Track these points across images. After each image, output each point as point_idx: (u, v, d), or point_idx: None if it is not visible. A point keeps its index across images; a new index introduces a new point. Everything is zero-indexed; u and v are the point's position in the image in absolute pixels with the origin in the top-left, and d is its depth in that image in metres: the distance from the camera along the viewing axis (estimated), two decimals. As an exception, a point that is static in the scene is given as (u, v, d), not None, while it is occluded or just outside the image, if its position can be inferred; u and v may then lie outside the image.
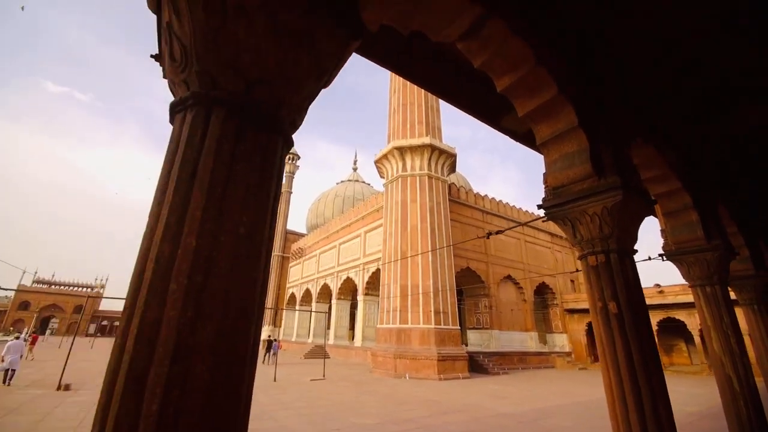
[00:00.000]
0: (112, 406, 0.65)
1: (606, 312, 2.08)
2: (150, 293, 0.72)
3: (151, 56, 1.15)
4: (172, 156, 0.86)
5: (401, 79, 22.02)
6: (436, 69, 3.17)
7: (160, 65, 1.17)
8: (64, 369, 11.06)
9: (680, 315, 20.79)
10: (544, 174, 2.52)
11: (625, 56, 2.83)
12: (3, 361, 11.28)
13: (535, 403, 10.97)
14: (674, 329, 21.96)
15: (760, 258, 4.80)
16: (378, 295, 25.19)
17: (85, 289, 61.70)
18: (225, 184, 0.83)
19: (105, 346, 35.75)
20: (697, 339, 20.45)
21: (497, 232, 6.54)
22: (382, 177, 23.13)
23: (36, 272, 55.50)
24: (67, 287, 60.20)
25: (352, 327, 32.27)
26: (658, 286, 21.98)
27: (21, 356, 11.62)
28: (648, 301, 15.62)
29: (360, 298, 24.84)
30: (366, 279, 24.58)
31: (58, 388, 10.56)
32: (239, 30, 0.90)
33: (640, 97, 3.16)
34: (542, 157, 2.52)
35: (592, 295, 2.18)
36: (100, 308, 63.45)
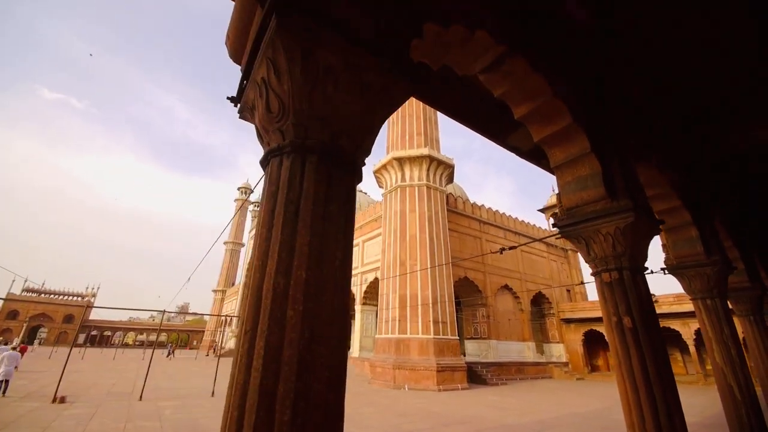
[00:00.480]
0: (246, 418, 0.76)
1: (621, 326, 2.22)
2: (271, 319, 0.84)
3: (228, 98, 1.28)
4: (273, 197, 0.99)
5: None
6: (447, 92, 3.35)
7: (234, 106, 1.31)
8: (59, 381, 10.87)
9: (675, 324, 21.04)
10: (557, 194, 2.69)
11: (632, 86, 3.03)
12: (-2, 372, 11.09)
13: (536, 414, 11.00)
14: (669, 339, 22.17)
15: (755, 271, 5.01)
16: (375, 305, 25.16)
17: (75, 298, 60.58)
18: (323, 221, 0.96)
19: (96, 356, 35.01)
20: (692, 348, 20.66)
21: (511, 248, 6.69)
22: (380, 187, 23.33)
23: (26, 280, 54.45)
24: (57, 296, 59.06)
25: (348, 337, 32.09)
26: (652, 295, 22.28)
27: (16, 367, 11.43)
28: (645, 312, 15.64)
29: (357, 308, 24.76)
30: (364, 289, 24.55)
31: (54, 401, 10.37)
32: (328, 88, 1.04)
33: (645, 121, 3.37)
34: (535, 168, 2.72)
35: (607, 309, 2.32)
36: (91, 317, 62.25)
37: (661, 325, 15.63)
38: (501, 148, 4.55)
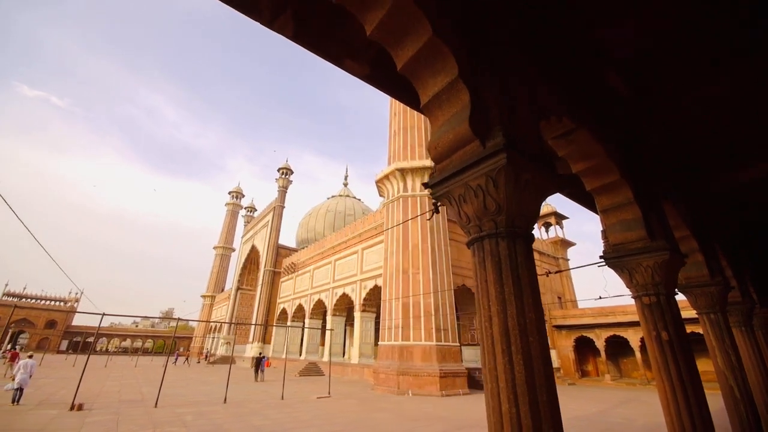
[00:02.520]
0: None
1: (659, 339, 2.85)
2: (521, 341, 1.38)
3: (423, 184, 1.83)
4: (497, 265, 1.53)
5: (401, 104, 23.11)
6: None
7: (427, 188, 1.86)
8: (77, 389, 10.98)
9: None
10: (603, 231, 3.34)
11: (661, 142, 3.72)
12: (14, 380, 11.11)
13: (538, 417, 11.64)
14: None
15: (746, 288, 5.80)
16: (374, 312, 25.59)
17: (58, 303, 58.76)
18: (530, 286, 1.51)
19: (86, 364, 34.05)
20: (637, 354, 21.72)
21: (557, 272, 7.48)
22: (381, 196, 23.91)
23: (7, 284, 52.68)
24: (38, 300, 57.18)
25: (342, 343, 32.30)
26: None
27: (30, 376, 11.45)
28: (630, 318, 16.92)
29: (357, 314, 25.12)
30: (363, 296, 24.95)
31: (72, 408, 10.48)
32: (525, 194, 1.60)
33: (664, 167, 4.07)
34: None
35: (647, 325, 2.95)
36: (73, 323, 60.41)
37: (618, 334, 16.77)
38: None
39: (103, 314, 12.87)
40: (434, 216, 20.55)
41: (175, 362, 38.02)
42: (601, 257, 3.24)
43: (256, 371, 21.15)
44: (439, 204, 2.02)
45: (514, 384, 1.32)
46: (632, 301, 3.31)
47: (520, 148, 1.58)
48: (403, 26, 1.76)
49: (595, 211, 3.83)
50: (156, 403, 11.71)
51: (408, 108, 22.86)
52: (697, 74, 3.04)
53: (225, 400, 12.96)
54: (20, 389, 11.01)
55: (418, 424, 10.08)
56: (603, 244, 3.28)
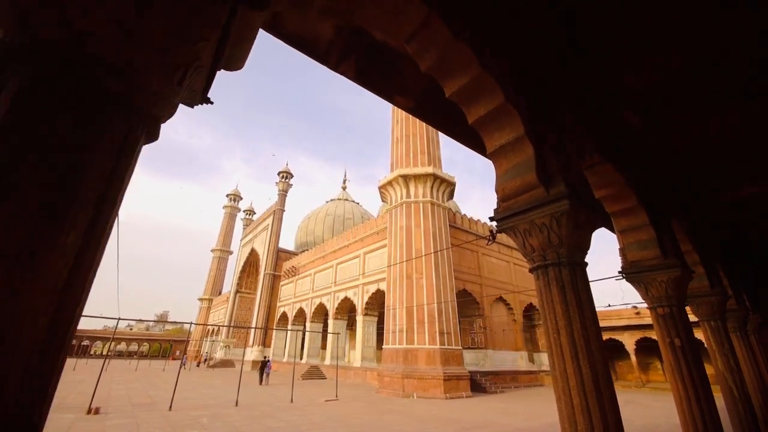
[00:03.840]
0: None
1: (673, 344, 3.28)
2: (573, 363, 1.78)
3: (490, 217, 2.23)
4: (562, 289, 1.93)
5: (403, 111, 23.62)
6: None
7: (493, 221, 2.26)
8: (94, 393, 11.20)
9: (656, 335, 22.73)
10: (620, 249, 3.79)
11: (672, 169, 4.22)
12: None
13: (543, 418, 12.06)
14: (650, 348, 23.87)
15: (741, 296, 6.30)
16: (376, 315, 25.91)
17: (52, 307, 58.12)
18: (589, 304, 1.93)
19: (85, 368, 33.91)
20: (632, 357, 22.33)
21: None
22: (384, 201, 24.33)
23: None
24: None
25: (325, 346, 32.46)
26: (635, 308, 23.99)
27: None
28: (625, 323, 17.48)
29: (359, 318, 25.42)
30: (365, 299, 25.26)
31: (89, 412, 10.67)
32: (581, 231, 2.04)
33: (672, 190, 4.56)
34: None
35: (662, 333, 3.38)
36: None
37: (643, 336, 17.34)
38: (484, 161, 5.66)
39: (118, 319, 13.07)
40: (437, 221, 21.01)
41: (183, 366, 37.87)
42: (619, 272, 3.68)
43: (261, 375, 21.32)
44: (496, 232, 2.42)
45: (583, 382, 1.73)
46: (626, 307, 3.75)
47: (578, 194, 2.00)
48: (478, 92, 2.17)
49: (610, 230, 4.27)
50: (170, 407, 11.93)
51: (410, 116, 23.39)
52: (698, 113, 3.50)
53: (236, 403, 13.20)
54: (36, 393, 11.16)
55: (428, 426, 10.44)
56: (621, 261, 3.73)
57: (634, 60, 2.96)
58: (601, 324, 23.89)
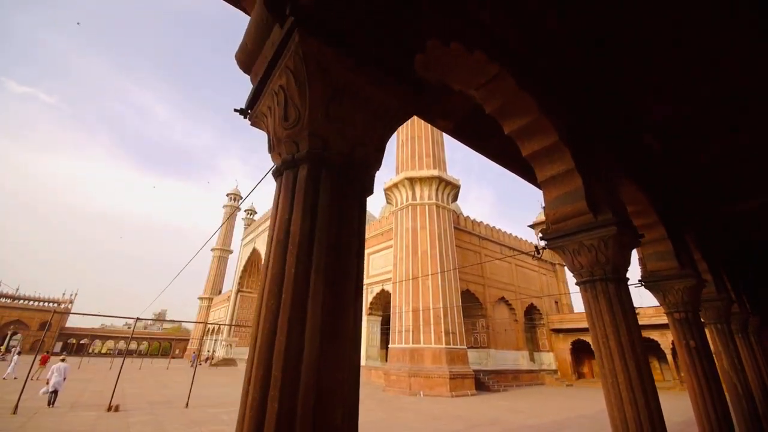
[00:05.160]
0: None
1: (689, 346, 3.67)
2: (621, 362, 2.15)
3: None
4: (608, 302, 2.31)
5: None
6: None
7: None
8: (113, 391, 11.49)
9: (654, 335, 23.27)
10: (640, 259, 4.17)
11: (682, 191, 4.61)
12: (48, 383, 11.51)
13: (548, 416, 12.49)
14: (649, 348, 24.44)
15: (742, 300, 6.72)
16: (380, 315, 26.31)
17: (51, 305, 58.02)
18: (632, 313, 2.30)
19: (89, 366, 34.06)
20: (669, 357, 22.89)
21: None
22: (389, 203, 24.70)
23: (-1, 285, 51.96)
24: (31, 302, 56.43)
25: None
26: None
27: (64, 379, 11.86)
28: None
29: (364, 318, 25.74)
30: (370, 299, 25.62)
31: (109, 409, 10.95)
32: (623, 250, 2.41)
33: (684, 204, 4.97)
34: (512, 179, 4.22)
35: (678, 335, 3.77)
36: (67, 325, 59.73)
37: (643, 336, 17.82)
38: (482, 159, 6.04)
39: (136, 319, 13.35)
40: (442, 223, 21.39)
41: (197, 364, 38.06)
42: (639, 281, 4.07)
43: (268, 373, 21.63)
44: (543, 249, 2.79)
45: (630, 378, 2.09)
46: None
47: (622, 219, 2.37)
48: (535, 131, 2.53)
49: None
50: (186, 404, 12.24)
51: (415, 118, 23.75)
52: (713, 136, 3.90)
53: (250, 401, 13.52)
54: (55, 392, 11.41)
55: (441, 422, 10.83)
56: (641, 270, 4.11)
57: (658, 94, 3.33)
58: (602, 324, 24.09)
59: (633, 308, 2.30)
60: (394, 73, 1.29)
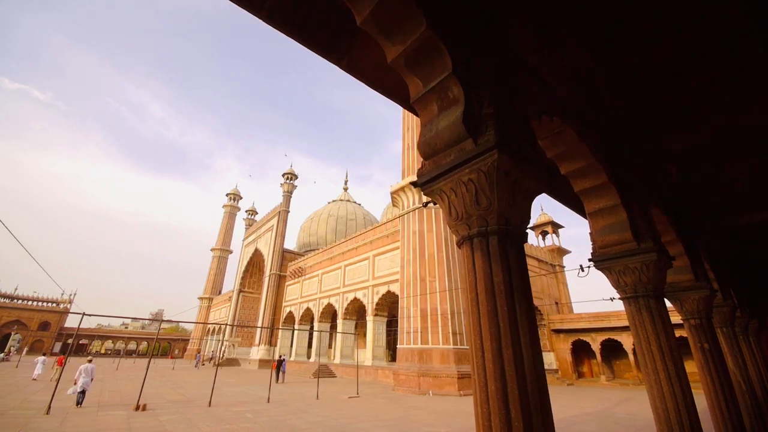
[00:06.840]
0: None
1: (703, 348, 4.23)
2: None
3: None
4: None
5: (415, 118, 24.51)
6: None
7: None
8: (141, 390, 11.92)
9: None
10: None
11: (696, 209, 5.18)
12: (75, 383, 11.90)
13: (554, 414, 12.97)
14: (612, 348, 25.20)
15: (744, 306, 7.35)
16: (385, 316, 26.81)
17: (50, 305, 57.88)
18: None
19: (147, 368, 34.09)
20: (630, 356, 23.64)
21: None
22: (395, 206, 25.21)
23: (-3, 285, 51.79)
24: (30, 302, 56.25)
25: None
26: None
27: (92, 379, 12.24)
28: (624, 323, 18.75)
29: (369, 319, 26.27)
30: (376, 300, 26.11)
31: (137, 409, 11.37)
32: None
33: (693, 218, 5.54)
34: None
35: (693, 339, 4.34)
36: (66, 325, 59.55)
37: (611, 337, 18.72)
38: None
39: (152, 319, 13.73)
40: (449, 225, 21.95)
41: (197, 366, 38.38)
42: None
43: (278, 373, 22.07)
44: (588, 268, 3.31)
45: (669, 376, 2.63)
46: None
47: (660, 247, 2.90)
48: (588, 172, 3.06)
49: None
50: (209, 403, 12.68)
51: (416, 118, 24.29)
52: (726, 162, 4.47)
53: (268, 399, 13.98)
54: (83, 392, 11.80)
55: (454, 420, 11.36)
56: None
57: (677, 129, 3.89)
58: (601, 325, 24.94)
59: (669, 319, 2.84)
60: (535, 164, 1.78)
